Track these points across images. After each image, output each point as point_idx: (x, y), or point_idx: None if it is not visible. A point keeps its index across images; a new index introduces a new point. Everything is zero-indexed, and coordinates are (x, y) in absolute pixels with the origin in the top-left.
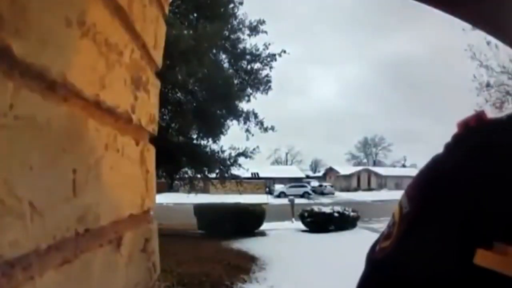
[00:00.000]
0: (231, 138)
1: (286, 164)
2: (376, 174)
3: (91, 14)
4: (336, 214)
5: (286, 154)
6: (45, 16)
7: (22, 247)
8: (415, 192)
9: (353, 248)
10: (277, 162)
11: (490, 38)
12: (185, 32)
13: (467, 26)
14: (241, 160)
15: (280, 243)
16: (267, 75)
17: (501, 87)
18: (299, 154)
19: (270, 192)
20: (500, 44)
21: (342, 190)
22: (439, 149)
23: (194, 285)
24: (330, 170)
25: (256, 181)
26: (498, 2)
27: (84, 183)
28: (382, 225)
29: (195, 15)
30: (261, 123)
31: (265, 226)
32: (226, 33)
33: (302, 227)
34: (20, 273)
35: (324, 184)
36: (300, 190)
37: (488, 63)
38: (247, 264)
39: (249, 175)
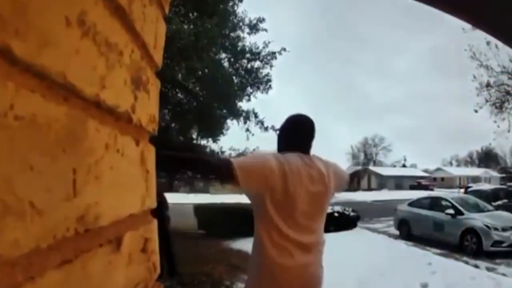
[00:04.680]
0: (231, 138)
1: None
2: (376, 174)
3: (91, 14)
4: (336, 214)
5: None
6: (45, 16)
7: (22, 247)
8: None
9: (353, 248)
10: None
11: (490, 38)
12: (185, 27)
13: (467, 26)
14: None
15: None
16: (267, 74)
17: (501, 87)
18: None
19: None
20: (500, 44)
21: None
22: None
23: (194, 285)
24: None
25: None
26: (499, 3)
27: (84, 183)
28: (382, 225)
29: (194, 13)
30: (261, 122)
31: None
32: (226, 31)
33: None
34: (20, 273)
35: None
36: None
37: (488, 63)
38: (247, 264)
39: None
